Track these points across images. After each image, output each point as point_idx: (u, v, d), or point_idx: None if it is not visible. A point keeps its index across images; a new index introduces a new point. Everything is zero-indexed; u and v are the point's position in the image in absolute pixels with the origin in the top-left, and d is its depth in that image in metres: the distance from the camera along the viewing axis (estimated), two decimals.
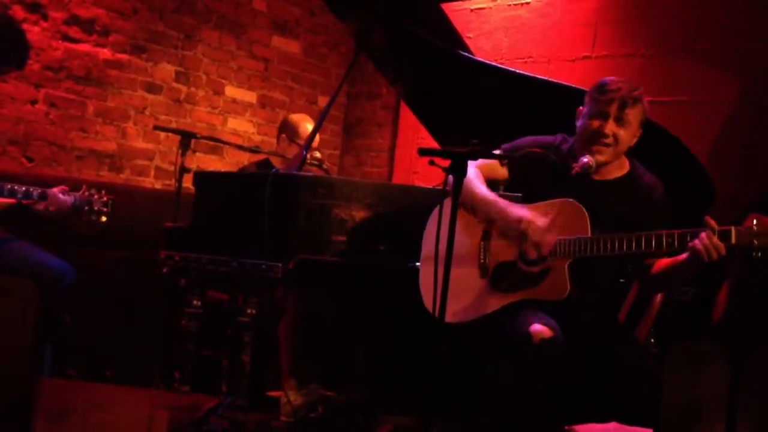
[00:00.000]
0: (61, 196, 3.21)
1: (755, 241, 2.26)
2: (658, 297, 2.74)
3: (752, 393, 3.31)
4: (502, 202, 2.67)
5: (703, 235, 2.31)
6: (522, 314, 2.50)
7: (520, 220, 2.59)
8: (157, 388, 3.36)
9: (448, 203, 2.37)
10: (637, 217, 2.56)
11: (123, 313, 3.99)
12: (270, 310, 3.38)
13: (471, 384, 2.84)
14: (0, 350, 3.07)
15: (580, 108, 2.72)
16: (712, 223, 2.32)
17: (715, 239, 2.30)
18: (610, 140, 2.61)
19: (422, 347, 2.56)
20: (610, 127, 2.60)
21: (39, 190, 3.19)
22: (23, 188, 3.16)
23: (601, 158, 2.63)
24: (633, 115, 2.61)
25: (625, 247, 2.42)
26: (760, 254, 2.25)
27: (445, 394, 2.61)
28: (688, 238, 2.33)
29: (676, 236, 2.37)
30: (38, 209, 3.21)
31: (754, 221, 2.28)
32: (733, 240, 2.29)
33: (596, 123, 2.61)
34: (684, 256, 2.40)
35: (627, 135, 2.63)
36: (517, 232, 2.59)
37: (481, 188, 2.72)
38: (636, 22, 4.57)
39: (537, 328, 2.40)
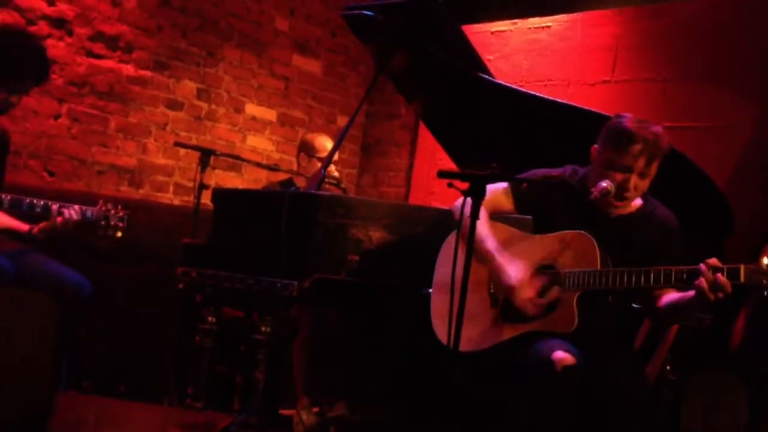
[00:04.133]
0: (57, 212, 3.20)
1: (764, 281, 2.21)
2: (674, 325, 2.72)
3: None
4: (499, 260, 2.65)
5: (709, 274, 2.27)
6: (542, 341, 2.48)
7: (511, 288, 2.59)
8: (170, 404, 3.36)
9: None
10: (652, 251, 2.55)
11: (138, 328, 4.00)
12: (285, 328, 3.38)
13: (485, 405, 2.82)
14: (19, 363, 3.09)
15: (595, 146, 2.68)
16: (716, 262, 2.29)
17: (721, 278, 2.26)
18: (631, 194, 2.58)
19: (436, 368, 2.55)
20: (634, 181, 2.54)
21: (42, 203, 3.20)
22: (27, 200, 3.18)
23: (614, 213, 2.63)
24: (656, 167, 2.57)
25: (633, 281, 2.40)
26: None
27: (459, 415, 2.59)
28: (697, 273, 2.30)
29: (685, 271, 2.34)
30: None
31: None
32: (742, 279, 2.25)
33: (620, 176, 2.54)
34: (692, 293, 2.37)
35: (646, 184, 2.60)
36: (506, 293, 2.61)
37: (483, 232, 2.68)
38: (656, 47, 4.56)
39: (560, 355, 2.38)
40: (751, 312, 3.32)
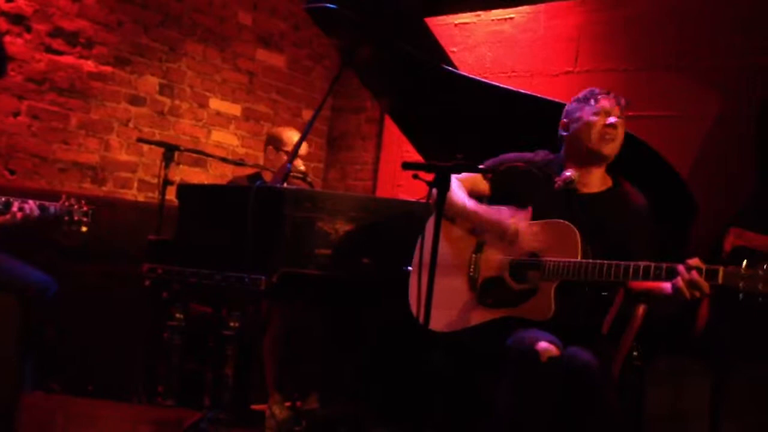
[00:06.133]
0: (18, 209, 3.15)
1: (741, 284, 2.24)
2: (641, 309, 2.76)
3: (733, 406, 3.33)
4: (486, 209, 2.69)
5: (686, 274, 2.31)
6: (522, 331, 2.49)
7: (506, 226, 2.62)
8: (139, 402, 3.33)
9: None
10: (624, 231, 2.58)
11: (105, 326, 3.96)
12: (254, 324, 3.37)
13: (459, 396, 2.84)
14: None
15: (564, 120, 2.74)
16: (697, 262, 2.32)
17: (698, 278, 2.30)
18: (618, 132, 2.66)
19: (408, 359, 2.56)
20: (615, 119, 2.66)
21: (3, 200, 3.14)
22: None
23: (608, 151, 2.68)
24: (624, 118, 2.70)
25: (612, 275, 2.43)
26: (743, 296, 2.24)
27: (431, 407, 2.61)
28: (676, 271, 2.33)
29: (664, 268, 2.37)
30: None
31: (737, 250, 2.29)
32: (720, 281, 2.28)
33: (601, 119, 2.66)
34: (668, 285, 2.40)
35: (622, 133, 2.69)
36: (508, 232, 2.62)
37: (463, 199, 2.73)
38: (618, 38, 4.61)
39: (544, 345, 2.40)
40: (715, 297, 3.38)
